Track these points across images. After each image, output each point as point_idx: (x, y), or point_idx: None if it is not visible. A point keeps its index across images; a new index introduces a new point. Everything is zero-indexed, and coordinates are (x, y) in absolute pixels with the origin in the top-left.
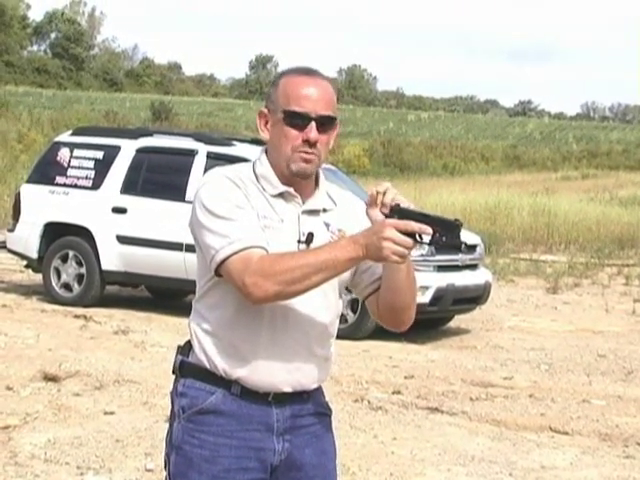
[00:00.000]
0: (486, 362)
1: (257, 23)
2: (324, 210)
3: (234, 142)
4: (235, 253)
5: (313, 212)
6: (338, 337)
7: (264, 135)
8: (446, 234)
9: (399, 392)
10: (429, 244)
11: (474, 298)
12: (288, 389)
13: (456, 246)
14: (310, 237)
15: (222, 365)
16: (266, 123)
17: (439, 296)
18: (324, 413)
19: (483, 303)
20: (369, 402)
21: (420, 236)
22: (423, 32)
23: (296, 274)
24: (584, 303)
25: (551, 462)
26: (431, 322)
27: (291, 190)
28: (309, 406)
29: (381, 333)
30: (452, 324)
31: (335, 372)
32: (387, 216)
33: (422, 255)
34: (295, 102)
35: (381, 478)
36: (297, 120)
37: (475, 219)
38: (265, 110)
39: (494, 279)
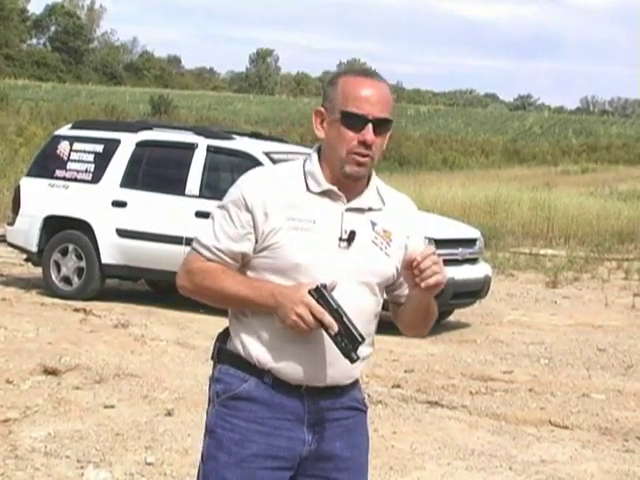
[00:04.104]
0: (486, 356)
1: (257, 16)
2: (370, 209)
3: (234, 136)
4: (198, 253)
5: (358, 210)
6: None
7: (319, 133)
8: (346, 342)
9: (399, 386)
10: (330, 336)
11: (474, 292)
12: (320, 384)
13: (348, 357)
14: (352, 235)
15: (256, 354)
16: (322, 121)
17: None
18: (358, 408)
19: (483, 297)
20: (369, 396)
21: (325, 327)
22: (422, 26)
23: (214, 295)
24: (584, 297)
25: (551, 456)
26: None
27: (334, 189)
28: (342, 400)
29: (381, 327)
30: (452, 318)
31: None
32: (309, 292)
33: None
34: (353, 103)
35: (381, 472)
36: (354, 121)
37: (475, 213)
38: (322, 109)
39: (494, 273)
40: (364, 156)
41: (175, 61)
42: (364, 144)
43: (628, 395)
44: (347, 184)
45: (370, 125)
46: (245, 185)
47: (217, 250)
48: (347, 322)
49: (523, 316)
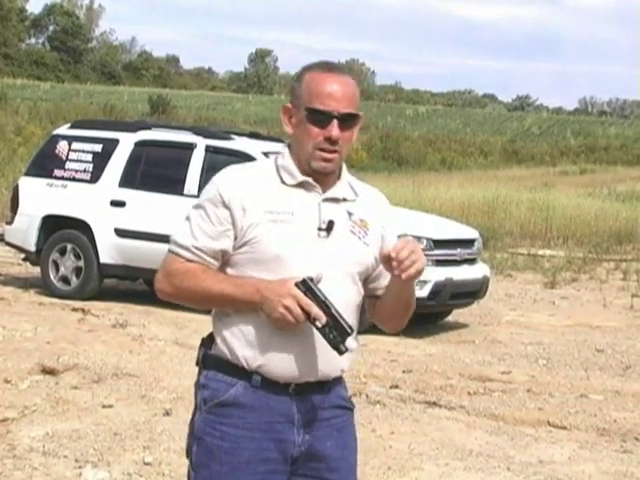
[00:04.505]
0: (484, 356)
1: (255, 16)
2: (344, 199)
3: (232, 136)
4: (176, 254)
5: (334, 200)
6: None
7: (288, 130)
8: (334, 333)
9: (397, 386)
10: (317, 329)
11: (472, 292)
12: (309, 378)
13: (337, 348)
14: (331, 224)
15: (243, 353)
16: (290, 118)
17: (437, 290)
18: (346, 407)
19: (481, 298)
20: (367, 396)
21: (313, 319)
22: (421, 26)
23: (196, 296)
24: (582, 298)
25: (549, 457)
26: (429, 316)
27: (310, 180)
28: (330, 398)
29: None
30: (450, 318)
31: None
32: (296, 284)
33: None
34: (318, 100)
35: (379, 472)
36: (319, 118)
37: (473, 214)
38: (289, 105)
39: (492, 274)
40: (330, 152)
41: (174, 61)
42: (329, 140)
43: (626, 396)
44: (318, 178)
45: (335, 121)
46: (221, 182)
47: (196, 249)
48: (335, 314)
49: (521, 316)
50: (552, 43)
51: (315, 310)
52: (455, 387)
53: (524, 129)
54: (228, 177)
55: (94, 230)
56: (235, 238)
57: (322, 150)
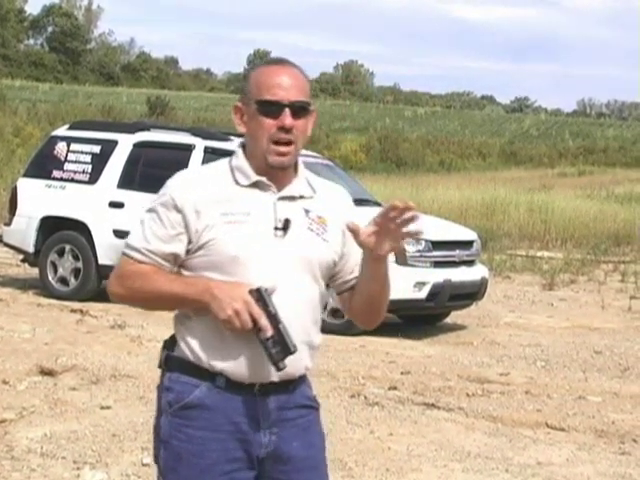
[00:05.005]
0: (482, 358)
1: (254, 17)
2: (301, 197)
3: (231, 137)
4: (129, 257)
5: (290, 198)
6: (334, 332)
7: (240, 129)
8: (277, 348)
9: (395, 388)
10: (260, 340)
11: (471, 294)
12: (273, 378)
13: (276, 364)
14: (287, 223)
15: (206, 357)
16: (242, 116)
17: (436, 292)
18: (311, 406)
19: (479, 299)
20: (365, 397)
21: (259, 329)
22: (420, 27)
23: (148, 297)
24: (580, 300)
25: (547, 458)
26: (428, 318)
27: (264, 179)
28: (295, 398)
29: (378, 329)
30: (449, 320)
31: (332, 367)
32: (250, 291)
33: (419, 251)
34: (267, 91)
35: (377, 473)
36: (270, 109)
37: (472, 215)
38: (239, 104)
39: (490, 275)
40: (286, 144)
41: (172, 62)
42: (283, 129)
43: (624, 397)
44: (275, 175)
45: (287, 110)
46: (173, 186)
47: (148, 252)
48: (282, 330)
49: (520, 318)
50: (551, 45)
51: (263, 321)
52: (454, 389)
53: (522, 131)
54: (181, 181)
55: (92, 231)
56: (190, 242)
57: (277, 143)
